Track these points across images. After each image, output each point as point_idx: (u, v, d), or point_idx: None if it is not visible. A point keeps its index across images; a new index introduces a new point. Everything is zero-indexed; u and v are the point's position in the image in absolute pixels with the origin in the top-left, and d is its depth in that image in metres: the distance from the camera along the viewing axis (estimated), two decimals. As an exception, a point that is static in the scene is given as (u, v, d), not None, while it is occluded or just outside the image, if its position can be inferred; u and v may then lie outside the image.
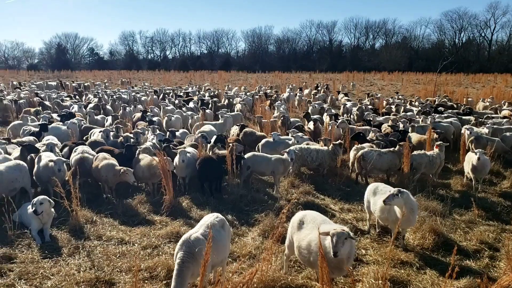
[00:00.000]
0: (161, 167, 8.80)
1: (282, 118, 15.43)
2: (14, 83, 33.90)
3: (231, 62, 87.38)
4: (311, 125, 14.76)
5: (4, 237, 7.32)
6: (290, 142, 12.06)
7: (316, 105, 20.81)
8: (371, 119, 15.95)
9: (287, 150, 10.16)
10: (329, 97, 26.37)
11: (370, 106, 20.57)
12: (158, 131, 12.70)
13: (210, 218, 5.82)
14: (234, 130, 14.21)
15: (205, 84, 37.74)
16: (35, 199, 7.32)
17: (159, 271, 6.27)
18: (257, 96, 24.23)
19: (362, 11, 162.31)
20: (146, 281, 6.04)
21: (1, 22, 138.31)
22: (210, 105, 20.44)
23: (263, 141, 12.15)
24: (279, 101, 22.38)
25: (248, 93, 26.65)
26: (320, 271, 4.87)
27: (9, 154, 10.25)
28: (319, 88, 32.71)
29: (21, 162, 9.14)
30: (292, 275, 6.27)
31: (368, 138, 12.57)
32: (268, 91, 29.46)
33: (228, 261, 6.48)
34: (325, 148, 11.16)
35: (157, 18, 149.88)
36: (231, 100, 22.91)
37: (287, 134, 13.37)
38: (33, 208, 7.21)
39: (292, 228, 6.06)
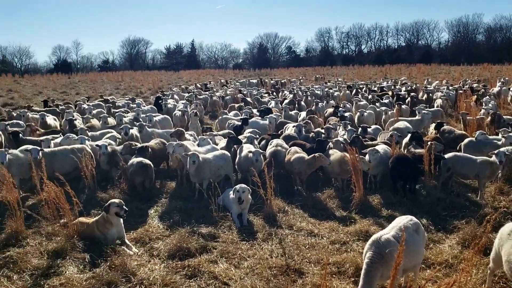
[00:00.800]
0: (351, 163, 8.70)
1: (491, 116, 13.65)
2: (222, 81, 37.95)
3: (432, 55, 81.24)
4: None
5: (210, 218, 8.23)
6: (499, 142, 10.58)
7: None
8: None
9: (495, 151, 8.93)
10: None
11: None
12: (349, 127, 12.60)
13: (403, 220, 5.52)
14: (432, 128, 13.17)
15: (401, 78, 36.03)
16: (238, 187, 8.03)
17: (347, 268, 6.20)
18: (461, 91, 21.98)
19: None
20: (334, 276, 6.04)
21: (212, 27, 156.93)
22: (406, 100, 19.40)
23: (466, 140, 10.93)
24: (487, 97, 19.85)
25: (450, 87, 24.39)
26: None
27: (217, 144, 11.50)
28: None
29: (226, 152, 10.18)
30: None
31: None
32: (475, 85, 26.37)
33: (421, 267, 6.04)
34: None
35: (353, 12, 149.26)
36: (430, 95, 21.31)
37: (497, 134, 11.77)
38: (238, 196, 7.91)
39: (501, 240, 5.28)
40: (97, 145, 10.27)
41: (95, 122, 15.07)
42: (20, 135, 11.64)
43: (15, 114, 16.54)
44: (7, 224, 7.29)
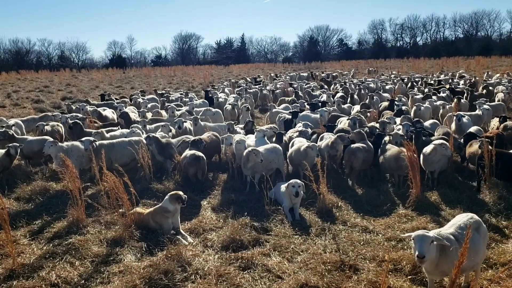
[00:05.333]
0: (408, 159, 8.40)
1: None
2: (272, 74, 37.92)
3: (492, 46, 77.10)
4: None
5: (261, 211, 8.25)
6: None
7: None
8: None
9: None
10: None
11: None
12: (405, 121, 12.18)
13: (463, 218, 5.33)
14: (495, 122, 12.49)
15: (459, 71, 34.49)
16: (293, 182, 7.97)
17: (403, 265, 6.02)
18: (525, 84, 20.75)
19: None
20: (390, 273, 5.87)
21: (262, 21, 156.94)
22: (465, 94, 18.53)
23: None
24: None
25: (513, 81, 23.09)
26: None
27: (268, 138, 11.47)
28: None
29: (277, 146, 10.14)
30: None
31: None
32: (540, 77, 24.84)
33: (482, 267, 5.77)
34: None
35: (408, 3, 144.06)
36: (490, 88, 20.25)
37: None
38: (295, 191, 7.85)
39: None
40: (80, 141, 9.98)
41: (149, 115, 15.52)
42: (81, 126, 12.20)
43: (74, 108, 17.31)
44: (69, 213, 7.64)
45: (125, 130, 11.96)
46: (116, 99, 21.52)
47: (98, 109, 16.14)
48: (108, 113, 16.37)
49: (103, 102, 19.72)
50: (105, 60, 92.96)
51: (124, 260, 6.36)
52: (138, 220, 7.36)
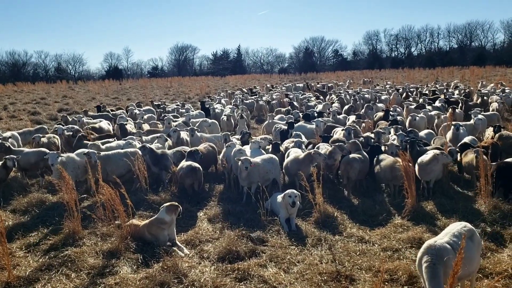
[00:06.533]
0: (403, 168, 8.45)
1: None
2: (268, 85, 38.01)
3: (486, 56, 77.75)
4: None
5: (258, 221, 8.25)
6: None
7: None
8: None
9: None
10: None
11: None
12: (400, 131, 12.26)
13: (456, 226, 5.36)
14: (489, 132, 12.59)
15: (454, 81, 34.74)
16: (290, 192, 7.99)
17: (399, 275, 6.03)
18: (518, 94, 20.93)
19: None
20: (386, 283, 5.88)
21: (257, 32, 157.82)
22: (460, 104, 18.67)
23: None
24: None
25: (507, 90, 23.23)
26: None
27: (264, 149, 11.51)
28: None
29: (274, 156, 10.17)
30: None
31: None
32: (534, 87, 25.04)
33: (478, 277, 5.82)
34: None
35: (402, 14, 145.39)
36: (485, 98, 20.42)
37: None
38: (291, 201, 7.88)
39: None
40: (85, 154, 9.80)
41: (146, 127, 15.55)
42: (81, 137, 12.30)
43: (70, 119, 17.30)
44: (65, 224, 7.63)
45: (121, 142, 11.97)
46: (113, 110, 21.53)
47: (94, 120, 16.14)
48: (104, 124, 16.38)
49: (98, 114, 19.72)
50: (101, 71, 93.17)
51: (120, 272, 6.35)
52: (134, 232, 7.35)
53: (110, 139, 12.95)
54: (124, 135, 13.61)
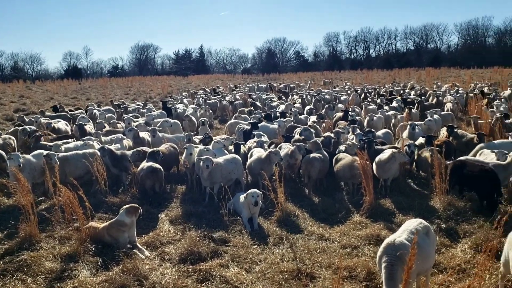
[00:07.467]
0: (361, 167, 8.68)
1: (496, 120, 13.62)
2: (231, 85, 38.08)
3: (441, 58, 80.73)
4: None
5: (220, 222, 8.26)
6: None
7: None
8: None
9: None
10: None
11: None
12: (358, 131, 12.57)
13: (413, 223, 5.52)
14: (444, 131, 13.11)
15: (410, 82, 35.87)
16: (252, 192, 8.04)
17: (358, 272, 6.18)
18: (471, 95, 21.86)
19: None
20: (345, 280, 6.02)
21: (220, 32, 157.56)
22: (416, 104, 19.34)
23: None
24: (498, 100, 19.71)
25: (461, 91, 24.23)
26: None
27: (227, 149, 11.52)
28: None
29: (236, 156, 10.21)
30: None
31: None
32: (486, 88, 26.20)
33: (433, 272, 6.05)
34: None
35: (361, 16, 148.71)
36: (440, 98, 21.23)
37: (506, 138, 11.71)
38: (254, 200, 7.92)
39: (510, 244, 5.24)
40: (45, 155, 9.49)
41: (106, 127, 15.21)
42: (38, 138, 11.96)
43: (27, 120, 16.69)
44: (21, 228, 7.37)
45: (80, 142, 11.66)
46: (71, 110, 20.93)
47: (46, 123, 15.56)
48: (62, 125, 15.90)
49: (56, 114, 19.11)
50: (60, 71, 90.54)
51: (79, 275, 6.20)
52: (93, 234, 7.19)
53: (69, 140, 12.61)
54: (83, 135, 13.25)
